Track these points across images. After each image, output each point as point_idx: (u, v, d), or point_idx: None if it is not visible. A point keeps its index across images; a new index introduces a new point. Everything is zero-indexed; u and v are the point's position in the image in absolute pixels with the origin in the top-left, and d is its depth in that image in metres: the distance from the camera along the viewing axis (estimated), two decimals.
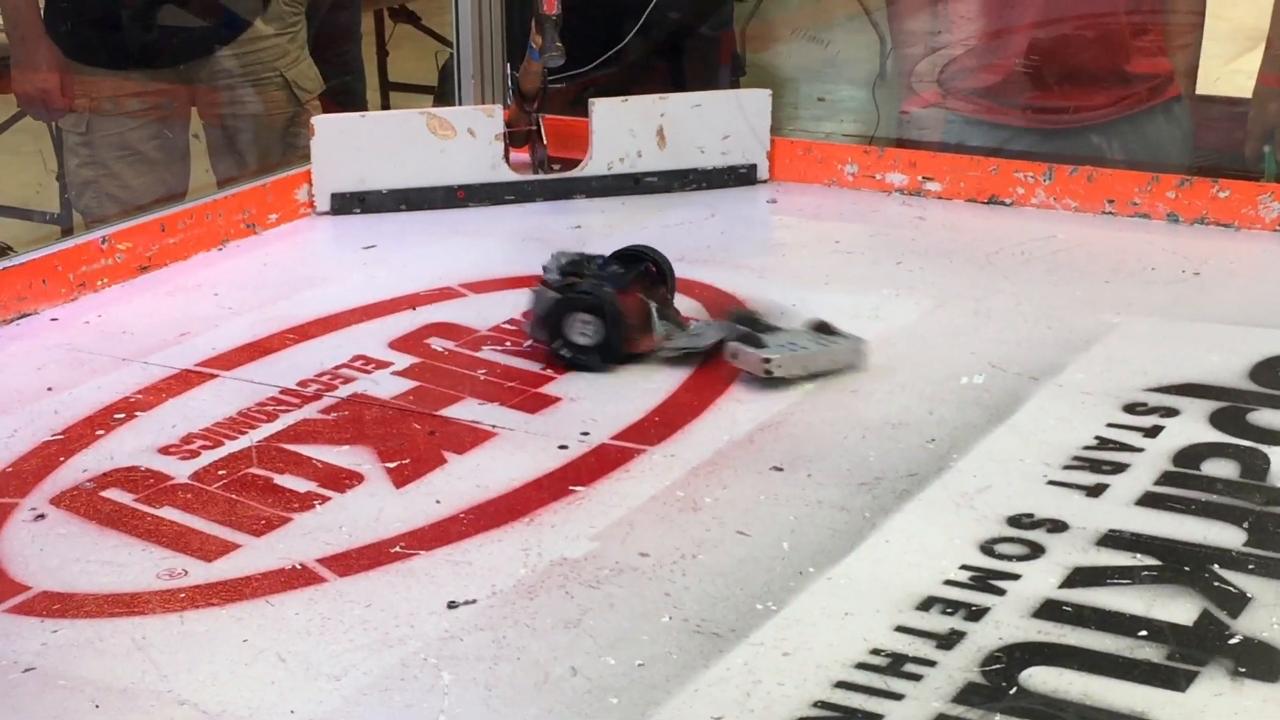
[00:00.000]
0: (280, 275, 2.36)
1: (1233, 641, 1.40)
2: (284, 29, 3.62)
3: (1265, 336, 2.02)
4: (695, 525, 1.62)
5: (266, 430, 1.84)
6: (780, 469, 1.73)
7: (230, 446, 1.80)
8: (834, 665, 1.37)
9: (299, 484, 1.72)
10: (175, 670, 1.39)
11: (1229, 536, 1.57)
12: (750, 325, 1.96)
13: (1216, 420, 1.81)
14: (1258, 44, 3.30)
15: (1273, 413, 1.82)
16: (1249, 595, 1.46)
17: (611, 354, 1.97)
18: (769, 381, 1.91)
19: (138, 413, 1.89)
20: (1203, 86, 3.50)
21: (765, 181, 2.71)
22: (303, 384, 1.96)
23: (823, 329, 1.95)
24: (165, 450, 1.79)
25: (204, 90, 3.58)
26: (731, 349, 1.90)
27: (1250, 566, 1.51)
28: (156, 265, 2.35)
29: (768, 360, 1.87)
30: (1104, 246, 2.39)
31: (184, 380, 1.98)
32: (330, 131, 2.59)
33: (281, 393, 1.94)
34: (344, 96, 3.99)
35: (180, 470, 1.74)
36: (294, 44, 3.65)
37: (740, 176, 2.70)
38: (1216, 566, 1.51)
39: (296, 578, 1.54)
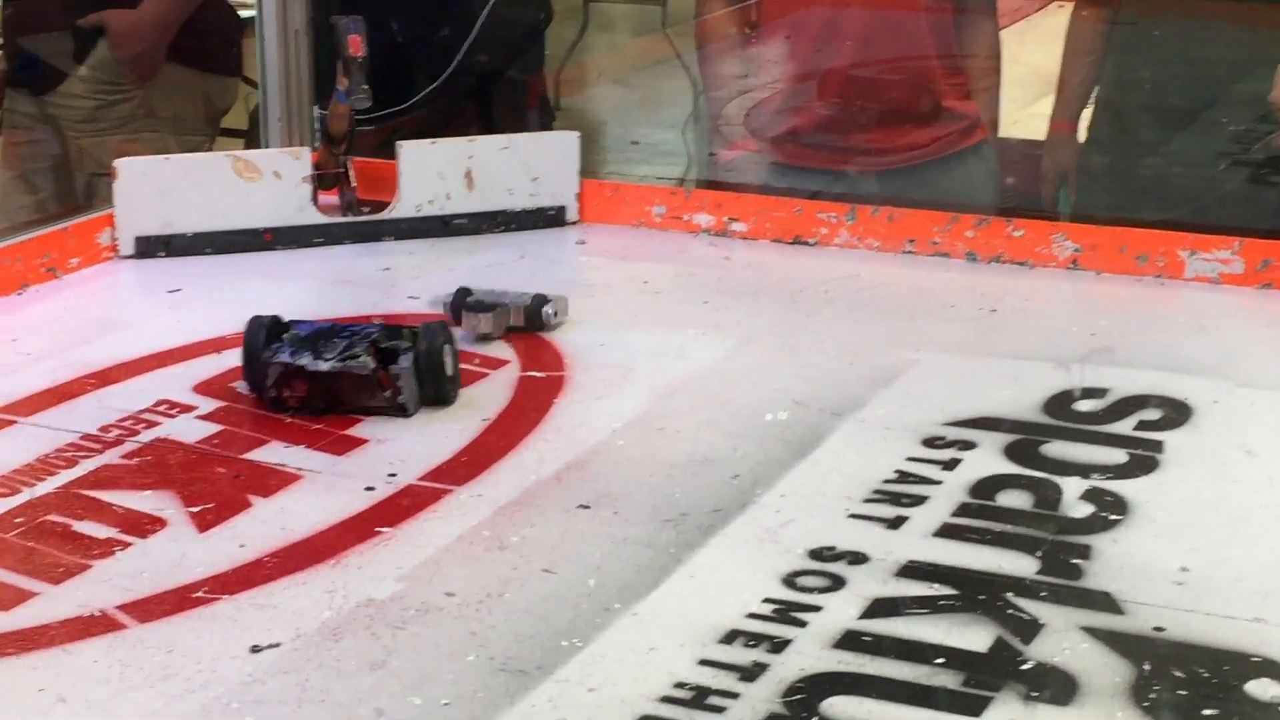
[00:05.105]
0: (82, 320, 2.32)
1: (1025, 667, 1.43)
2: (93, 92, 3.50)
3: (1058, 370, 2.08)
4: (502, 564, 1.62)
5: (66, 476, 1.80)
6: (587, 506, 1.74)
7: (28, 494, 1.76)
8: (638, 700, 1.38)
9: (99, 530, 1.69)
10: None
11: (1022, 565, 1.61)
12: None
13: (1011, 452, 1.86)
14: (1054, 89, 3.40)
15: (1064, 444, 1.88)
16: (1041, 622, 1.50)
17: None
18: (577, 422, 1.93)
19: None
20: (1003, 129, 3.60)
21: (575, 223, 2.72)
22: (104, 429, 1.93)
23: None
24: None
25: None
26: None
27: (1042, 594, 1.55)
28: None
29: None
30: (905, 285, 2.44)
31: None
32: (133, 174, 2.56)
33: (82, 438, 1.91)
34: None
35: None
36: (106, 115, 3.49)
37: (549, 218, 2.71)
38: (1010, 595, 1.55)
39: (95, 625, 1.51)
